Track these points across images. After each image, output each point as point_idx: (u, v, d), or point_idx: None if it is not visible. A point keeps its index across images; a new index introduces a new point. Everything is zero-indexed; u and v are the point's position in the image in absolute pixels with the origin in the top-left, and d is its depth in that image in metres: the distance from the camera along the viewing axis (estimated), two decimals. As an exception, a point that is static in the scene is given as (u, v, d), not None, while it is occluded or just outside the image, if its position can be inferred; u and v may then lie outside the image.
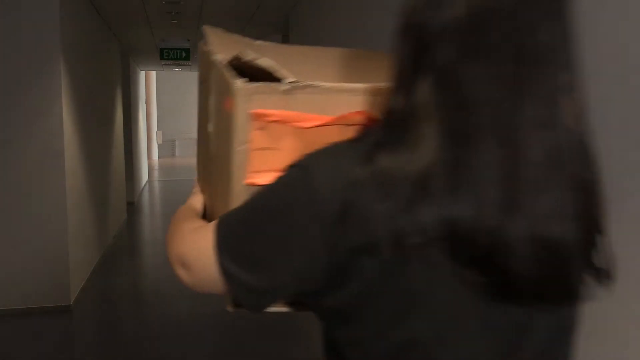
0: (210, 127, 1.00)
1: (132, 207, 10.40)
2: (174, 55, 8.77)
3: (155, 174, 17.08)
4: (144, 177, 14.07)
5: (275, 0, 6.30)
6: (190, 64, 9.96)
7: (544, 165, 0.70)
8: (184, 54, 8.79)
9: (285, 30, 7.87)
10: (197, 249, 0.82)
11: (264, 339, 4.07)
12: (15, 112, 4.65)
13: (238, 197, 0.83)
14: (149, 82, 17.72)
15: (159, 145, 21.67)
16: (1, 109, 4.63)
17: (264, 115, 0.80)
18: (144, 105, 15.63)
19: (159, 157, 21.64)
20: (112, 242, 7.50)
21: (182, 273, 0.86)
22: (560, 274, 0.72)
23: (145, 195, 12.59)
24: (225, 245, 0.77)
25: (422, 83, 0.70)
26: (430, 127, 0.68)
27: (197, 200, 1.08)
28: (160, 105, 21.35)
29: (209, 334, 4.25)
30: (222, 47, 0.98)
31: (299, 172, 0.73)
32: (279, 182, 0.75)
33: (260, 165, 0.82)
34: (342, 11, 4.83)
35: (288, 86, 0.80)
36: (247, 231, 0.76)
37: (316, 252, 0.70)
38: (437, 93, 0.69)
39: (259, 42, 1.11)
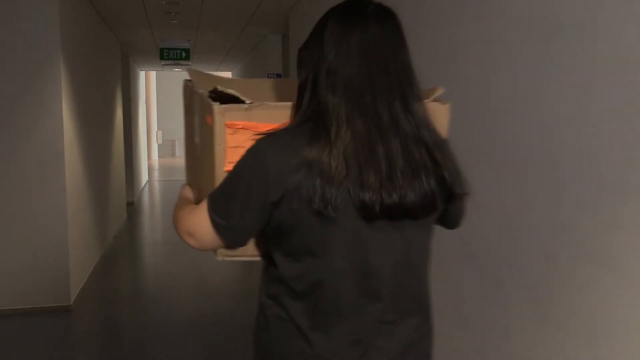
0: (197, 138, 1.48)
1: (132, 207, 10.40)
2: (174, 55, 8.77)
3: (155, 174, 17.08)
4: (144, 177, 14.07)
5: (275, 0, 6.30)
6: (190, 64, 9.95)
7: (403, 159, 1.15)
8: (184, 54, 8.79)
9: (285, 30, 7.87)
10: (197, 219, 1.26)
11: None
12: (15, 112, 4.65)
13: (220, 180, 1.27)
14: (149, 82, 17.72)
15: (159, 145, 21.67)
16: (1, 109, 4.62)
17: (234, 124, 1.28)
18: (144, 105, 15.63)
19: (159, 157, 21.64)
20: (112, 242, 7.50)
21: (190, 241, 1.29)
22: (425, 220, 1.24)
23: (145, 195, 12.59)
24: (212, 207, 1.22)
25: (331, 96, 1.15)
26: (340, 130, 1.13)
27: (188, 192, 1.51)
28: (160, 105, 21.36)
29: (209, 334, 4.25)
30: (201, 83, 1.47)
31: (258, 150, 1.18)
32: (242, 159, 1.20)
33: (233, 158, 1.26)
34: (342, 11, 4.83)
35: (247, 106, 1.28)
36: (223, 194, 1.22)
37: (262, 202, 1.16)
38: (344, 104, 1.15)
39: (227, 77, 1.66)
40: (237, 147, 1.28)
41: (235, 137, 1.28)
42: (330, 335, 1.18)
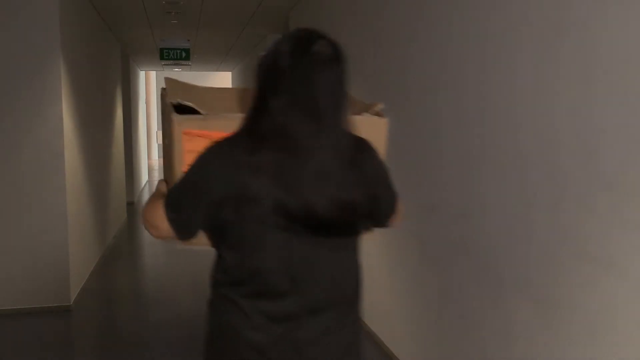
0: (166, 142, 1.69)
1: (132, 207, 10.40)
2: (174, 55, 8.77)
3: (155, 174, 17.08)
4: (144, 177, 14.07)
5: (275, 0, 6.30)
6: (190, 64, 9.95)
7: (335, 166, 1.36)
8: (184, 54, 8.79)
9: (285, 30, 7.87)
10: (157, 212, 1.44)
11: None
12: (15, 112, 4.65)
13: (178, 179, 1.47)
14: (149, 82, 17.72)
15: (159, 145, 21.67)
16: (1, 109, 4.62)
17: (189, 132, 1.52)
18: (144, 105, 15.63)
19: (159, 157, 21.63)
20: (112, 242, 7.50)
21: (152, 231, 1.48)
22: (346, 221, 1.40)
23: (145, 195, 12.58)
24: (167, 202, 1.43)
25: (277, 103, 1.33)
26: (274, 143, 1.32)
27: (163, 186, 1.64)
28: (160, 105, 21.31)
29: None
30: (173, 92, 1.63)
31: (205, 157, 1.37)
32: (193, 163, 1.39)
33: (190, 161, 1.42)
34: (342, 11, 4.83)
35: (202, 117, 1.53)
36: (176, 192, 1.43)
37: (206, 202, 1.36)
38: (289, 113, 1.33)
39: (201, 86, 1.85)
40: (192, 151, 1.46)
41: (192, 143, 1.51)
42: (261, 315, 1.39)
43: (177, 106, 1.58)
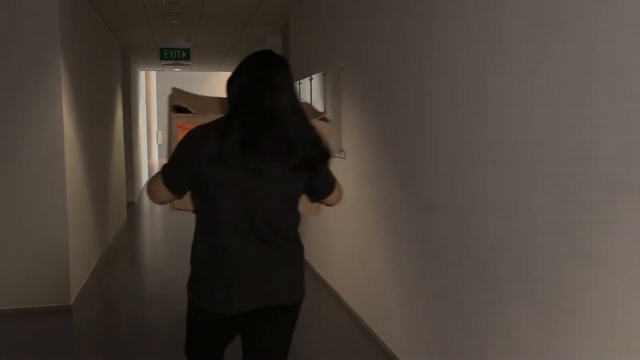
0: (169, 137, 2.24)
1: (132, 207, 10.40)
2: (174, 55, 8.77)
3: (155, 174, 17.06)
4: (144, 177, 14.07)
5: (275, 0, 6.30)
6: (190, 64, 9.95)
7: (270, 141, 1.91)
8: (184, 54, 8.79)
9: (285, 30, 7.87)
10: (156, 180, 2.03)
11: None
12: (15, 113, 4.65)
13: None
14: (149, 82, 17.71)
15: (159, 145, 21.67)
16: (1, 109, 4.62)
17: (182, 126, 2.12)
18: (144, 105, 15.62)
19: (159, 157, 21.63)
20: (112, 242, 7.50)
21: (153, 197, 2.07)
22: (286, 162, 1.92)
23: (145, 195, 12.59)
24: (163, 171, 2.02)
25: (239, 108, 1.96)
26: (233, 125, 1.90)
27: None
28: (161, 105, 21.34)
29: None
30: (175, 98, 2.25)
31: (188, 136, 1.95)
32: (180, 141, 1.98)
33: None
34: (342, 11, 4.83)
35: (192, 115, 2.15)
36: (168, 163, 2.01)
37: (188, 164, 1.94)
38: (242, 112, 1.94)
39: (200, 95, 2.46)
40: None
41: (184, 133, 2.04)
42: (218, 247, 1.96)
43: (177, 108, 2.21)
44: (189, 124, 2.09)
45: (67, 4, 5.00)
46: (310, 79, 5.73)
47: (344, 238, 4.85)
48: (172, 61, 8.90)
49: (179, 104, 2.16)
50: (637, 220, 1.75)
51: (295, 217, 2.08)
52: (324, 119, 2.30)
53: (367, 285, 4.27)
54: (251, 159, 1.87)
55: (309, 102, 5.81)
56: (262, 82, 1.96)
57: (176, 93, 2.28)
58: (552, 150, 2.13)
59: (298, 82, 6.36)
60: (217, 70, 15.30)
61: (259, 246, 1.96)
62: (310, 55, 6.04)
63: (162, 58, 8.83)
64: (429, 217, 3.19)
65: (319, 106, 5.41)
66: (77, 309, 4.88)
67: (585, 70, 1.96)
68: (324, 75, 5.21)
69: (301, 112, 1.99)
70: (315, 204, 2.27)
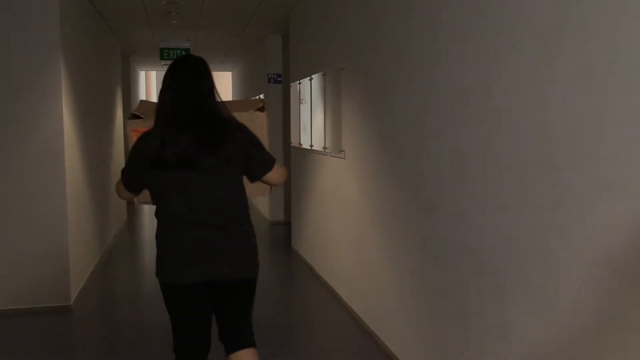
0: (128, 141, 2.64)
1: (132, 207, 10.40)
2: (174, 55, 8.75)
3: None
4: (144, 177, 14.04)
5: (275, 0, 6.30)
6: (190, 64, 9.92)
7: (194, 139, 2.28)
8: (184, 54, 8.77)
9: (285, 30, 7.87)
10: (119, 182, 2.52)
11: (261, 338, 4.07)
12: (15, 112, 4.65)
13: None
14: (149, 82, 17.71)
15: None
16: (1, 109, 4.62)
17: (136, 130, 2.52)
18: (144, 105, 15.59)
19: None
20: (112, 242, 7.50)
21: (118, 194, 2.57)
22: (189, 163, 2.28)
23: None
24: (122, 172, 2.49)
25: (163, 109, 2.35)
26: (166, 128, 2.31)
27: None
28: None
29: (209, 334, 4.24)
30: (139, 107, 2.70)
31: (137, 142, 2.36)
32: (133, 145, 2.39)
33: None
34: (342, 11, 4.83)
35: (143, 120, 2.60)
36: (125, 165, 2.48)
37: (138, 165, 2.37)
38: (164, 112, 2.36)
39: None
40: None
41: (132, 138, 2.44)
42: (171, 233, 2.38)
43: (132, 115, 2.63)
44: (141, 127, 2.46)
45: (67, 4, 5.00)
46: (310, 79, 5.73)
47: (344, 238, 4.85)
48: (172, 61, 8.90)
49: (134, 112, 2.62)
50: (637, 220, 1.75)
51: (237, 201, 2.40)
52: (260, 109, 2.62)
53: (367, 286, 4.27)
54: (182, 157, 2.25)
55: (308, 102, 5.81)
56: (175, 87, 2.32)
57: (141, 103, 2.72)
58: (552, 150, 2.13)
59: (298, 82, 6.36)
60: (217, 70, 15.30)
61: (205, 230, 2.33)
62: (310, 55, 6.04)
63: (162, 58, 8.82)
64: (429, 217, 3.19)
65: (319, 107, 5.42)
66: (77, 309, 4.88)
67: (585, 69, 1.96)
68: (324, 75, 5.21)
69: (216, 106, 2.36)
70: (263, 185, 2.55)
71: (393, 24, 3.68)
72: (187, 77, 2.34)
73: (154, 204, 2.46)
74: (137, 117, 2.61)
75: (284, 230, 8.07)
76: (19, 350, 4.05)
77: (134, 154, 2.36)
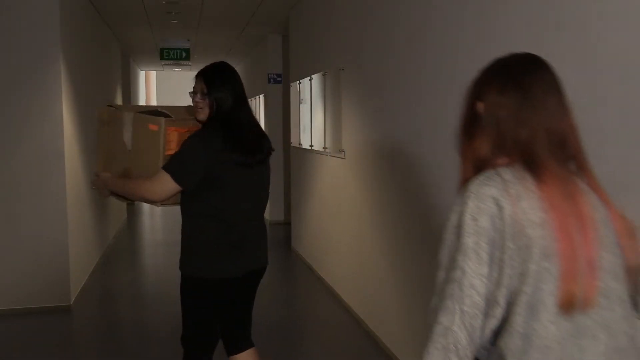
0: (129, 146, 2.59)
1: (132, 207, 10.40)
2: (174, 55, 8.77)
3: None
4: (144, 177, 14.04)
5: (275, 0, 6.30)
6: (190, 64, 9.95)
7: (256, 141, 2.52)
8: (184, 54, 8.79)
9: (285, 30, 7.87)
10: (160, 182, 2.38)
11: (261, 338, 4.07)
12: (15, 112, 4.65)
13: (164, 160, 2.45)
14: (149, 82, 17.71)
15: (159, 145, 21.63)
16: (1, 109, 4.63)
17: (169, 129, 2.51)
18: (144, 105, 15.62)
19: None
20: (112, 242, 7.50)
21: (153, 196, 2.40)
22: (259, 160, 2.49)
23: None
24: (172, 170, 2.36)
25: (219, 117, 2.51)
26: (233, 133, 2.47)
27: (119, 177, 2.61)
28: (160, 104, 21.34)
29: (209, 334, 4.24)
30: (124, 109, 2.69)
31: (197, 140, 2.40)
32: (190, 144, 2.40)
33: (170, 147, 2.50)
34: (342, 11, 4.83)
35: (173, 118, 2.57)
36: (178, 162, 2.39)
37: (203, 163, 2.36)
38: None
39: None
40: (170, 141, 2.49)
41: (169, 136, 2.47)
42: (231, 229, 2.46)
43: (153, 113, 2.60)
44: (180, 127, 2.51)
45: (67, 4, 5.00)
46: (310, 79, 5.73)
47: (343, 238, 4.85)
48: (172, 61, 8.91)
49: (144, 110, 2.61)
50: (637, 220, 1.75)
51: (266, 200, 2.65)
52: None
53: (367, 286, 4.27)
54: (245, 156, 2.40)
55: (308, 102, 5.82)
56: (232, 92, 2.44)
57: (117, 106, 2.76)
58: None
59: (298, 82, 6.36)
60: (217, 70, 15.27)
61: (256, 223, 2.54)
62: (310, 55, 6.04)
63: (162, 58, 8.83)
64: (429, 217, 3.19)
65: (319, 107, 5.42)
66: (77, 309, 4.88)
67: (586, 71, 1.96)
68: (324, 75, 5.21)
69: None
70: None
71: (393, 23, 3.68)
72: (239, 83, 2.48)
73: (180, 204, 2.51)
74: (151, 113, 2.61)
75: (284, 230, 8.07)
76: (19, 350, 4.05)
77: (200, 153, 2.35)
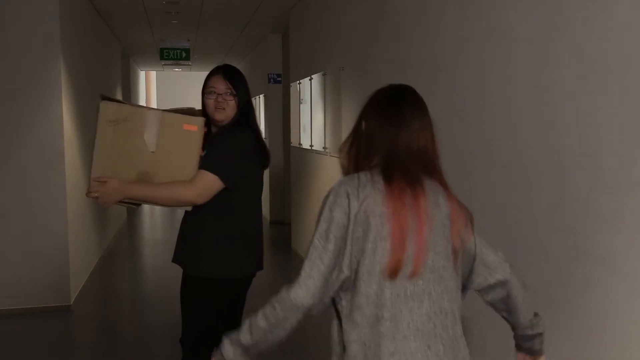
0: (153, 147, 2.34)
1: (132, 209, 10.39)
2: (174, 55, 8.77)
3: (155, 174, 17.05)
4: (144, 177, 14.05)
5: (275, 0, 6.30)
6: (190, 64, 9.94)
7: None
8: (184, 54, 8.79)
9: (285, 30, 7.87)
10: (205, 183, 2.28)
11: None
12: (15, 112, 4.65)
13: (198, 161, 2.31)
14: (149, 82, 17.71)
15: (159, 145, 21.64)
16: (1, 109, 4.62)
17: (191, 126, 2.33)
18: (144, 105, 15.62)
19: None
20: (112, 242, 7.50)
21: (197, 199, 2.28)
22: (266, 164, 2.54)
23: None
24: (218, 170, 2.28)
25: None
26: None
27: (125, 181, 2.34)
28: (160, 105, 21.35)
29: (209, 334, 4.24)
30: (133, 106, 2.51)
31: (234, 138, 2.37)
32: (229, 141, 2.37)
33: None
34: (342, 11, 4.83)
35: (189, 116, 2.37)
36: (222, 161, 2.32)
37: (246, 162, 2.37)
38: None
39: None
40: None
41: (191, 128, 2.33)
42: (250, 227, 2.48)
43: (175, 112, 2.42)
44: (193, 125, 2.36)
45: (67, 4, 5.00)
46: (310, 79, 5.73)
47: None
48: (172, 61, 8.91)
49: (172, 108, 2.49)
50: (637, 220, 1.75)
51: None
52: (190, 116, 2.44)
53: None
54: (267, 158, 2.48)
55: (308, 102, 5.82)
56: (245, 95, 2.45)
57: (119, 101, 2.45)
58: (553, 150, 2.13)
59: (298, 82, 6.36)
60: (217, 70, 15.27)
61: (261, 224, 2.57)
62: (310, 55, 6.04)
63: (162, 58, 8.83)
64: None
65: (319, 107, 5.42)
66: (77, 309, 4.88)
67: (586, 71, 1.96)
68: (324, 75, 5.21)
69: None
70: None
71: (393, 23, 3.68)
72: (247, 88, 2.48)
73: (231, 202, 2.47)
74: (178, 112, 2.43)
75: (284, 230, 8.07)
76: (19, 350, 4.05)
77: (240, 153, 2.35)
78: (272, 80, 8.55)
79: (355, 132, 1.57)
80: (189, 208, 2.37)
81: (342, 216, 1.45)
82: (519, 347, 1.72)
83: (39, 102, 4.68)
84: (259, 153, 2.41)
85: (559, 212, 2.09)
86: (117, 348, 4.13)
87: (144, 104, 15.76)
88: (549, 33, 2.13)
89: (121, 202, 2.36)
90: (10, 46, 4.61)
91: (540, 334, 1.67)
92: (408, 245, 1.42)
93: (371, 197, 1.44)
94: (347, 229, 1.44)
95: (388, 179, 1.46)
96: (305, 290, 1.45)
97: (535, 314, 1.67)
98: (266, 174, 9.89)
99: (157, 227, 9.47)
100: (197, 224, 2.41)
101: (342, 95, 4.69)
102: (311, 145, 5.75)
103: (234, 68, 2.47)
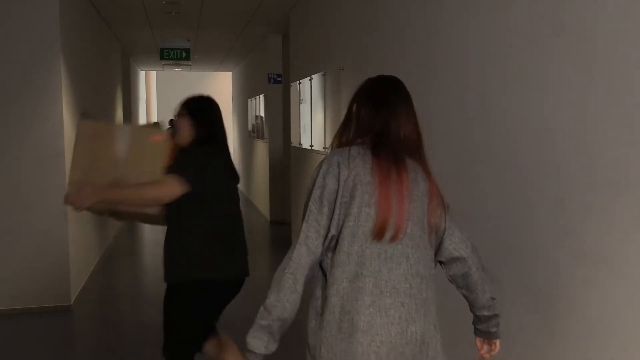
0: (124, 156, 2.70)
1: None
2: (174, 55, 8.76)
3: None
4: (144, 177, 14.03)
5: (275, 0, 6.30)
6: (190, 64, 9.94)
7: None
8: (184, 54, 8.79)
9: (285, 30, 7.86)
10: (169, 185, 2.51)
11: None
12: (15, 112, 4.65)
13: (165, 168, 2.59)
14: (149, 82, 17.71)
15: (159, 145, 21.61)
16: (1, 109, 4.62)
17: (159, 138, 2.80)
18: (144, 105, 15.62)
19: (159, 157, 21.58)
20: (112, 242, 7.50)
21: (162, 196, 2.53)
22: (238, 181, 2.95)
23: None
24: (181, 174, 2.52)
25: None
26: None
27: (99, 185, 2.59)
28: (160, 105, 21.33)
29: (209, 334, 4.24)
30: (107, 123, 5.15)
31: (199, 150, 2.68)
32: (194, 152, 2.67)
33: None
34: (342, 11, 4.83)
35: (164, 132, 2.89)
36: (186, 167, 2.56)
37: (217, 171, 2.68)
38: None
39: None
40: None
41: (159, 141, 2.69)
42: (233, 232, 2.73)
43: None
44: (160, 135, 2.77)
45: (67, 4, 5.00)
46: (310, 79, 5.72)
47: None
48: (172, 61, 8.90)
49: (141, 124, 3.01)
50: (637, 220, 1.75)
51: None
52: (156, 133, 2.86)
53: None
54: (235, 172, 2.76)
55: (308, 102, 5.81)
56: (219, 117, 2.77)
57: (95, 119, 3.00)
58: (552, 150, 2.13)
59: (298, 82, 6.36)
60: (217, 70, 15.29)
61: (243, 232, 2.79)
62: (310, 55, 6.04)
63: (162, 58, 8.82)
64: (429, 217, 3.19)
65: (319, 107, 5.41)
66: (77, 309, 4.88)
67: (585, 71, 1.96)
68: (324, 75, 5.21)
69: None
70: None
71: (393, 23, 3.68)
72: (220, 114, 2.79)
73: (195, 210, 2.66)
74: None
75: (284, 230, 8.07)
76: (19, 350, 4.05)
77: (209, 162, 2.64)
78: (272, 80, 8.55)
79: (348, 115, 1.76)
80: (156, 210, 2.66)
81: (334, 182, 1.63)
82: (476, 332, 1.95)
83: (39, 102, 4.68)
84: (225, 164, 2.70)
85: (558, 212, 2.09)
86: (117, 348, 4.13)
87: (144, 104, 15.77)
88: (548, 33, 2.13)
89: (94, 210, 2.71)
90: (10, 46, 4.61)
91: (497, 316, 1.87)
92: (392, 213, 1.59)
93: (360, 168, 1.63)
94: (337, 194, 1.62)
95: (376, 155, 1.64)
96: (306, 249, 1.61)
97: (492, 298, 1.86)
98: (266, 174, 9.82)
99: (157, 227, 9.46)
100: (174, 238, 2.67)
101: (342, 95, 4.69)
102: (311, 145, 5.75)
103: (199, 99, 2.77)
